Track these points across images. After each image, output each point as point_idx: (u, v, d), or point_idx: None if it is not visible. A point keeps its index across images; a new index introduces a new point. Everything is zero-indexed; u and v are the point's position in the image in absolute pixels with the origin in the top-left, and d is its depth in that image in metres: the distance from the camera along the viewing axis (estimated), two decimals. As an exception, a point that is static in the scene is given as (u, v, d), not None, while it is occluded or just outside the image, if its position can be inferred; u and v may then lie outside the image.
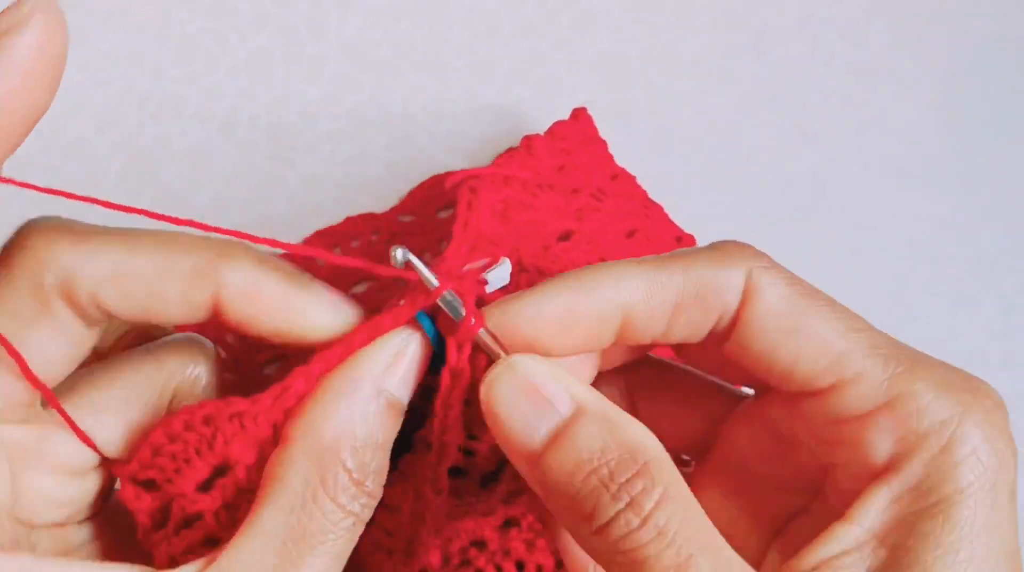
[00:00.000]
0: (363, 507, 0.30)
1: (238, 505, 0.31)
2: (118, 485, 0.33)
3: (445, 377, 0.31)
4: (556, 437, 0.29)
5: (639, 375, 0.36)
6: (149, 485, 0.31)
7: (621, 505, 0.27)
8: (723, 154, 0.62)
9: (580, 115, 0.57)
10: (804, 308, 0.31)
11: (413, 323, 0.31)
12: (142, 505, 0.31)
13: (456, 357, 0.31)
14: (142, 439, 0.31)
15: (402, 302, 0.31)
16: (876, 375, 0.30)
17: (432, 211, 0.57)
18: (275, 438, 0.30)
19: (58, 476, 0.31)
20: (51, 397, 0.30)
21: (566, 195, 0.48)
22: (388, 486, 0.33)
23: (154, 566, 0.30)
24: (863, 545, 0.29)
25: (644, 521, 0.27)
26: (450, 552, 0.42)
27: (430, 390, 0.33)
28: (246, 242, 0.31)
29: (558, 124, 0.56)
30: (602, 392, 0.32)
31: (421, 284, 0.31)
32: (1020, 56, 0.66)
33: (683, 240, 0.57)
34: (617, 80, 0.62)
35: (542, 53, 0.62)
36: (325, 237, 0.57)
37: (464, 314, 0.31)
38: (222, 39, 0.60)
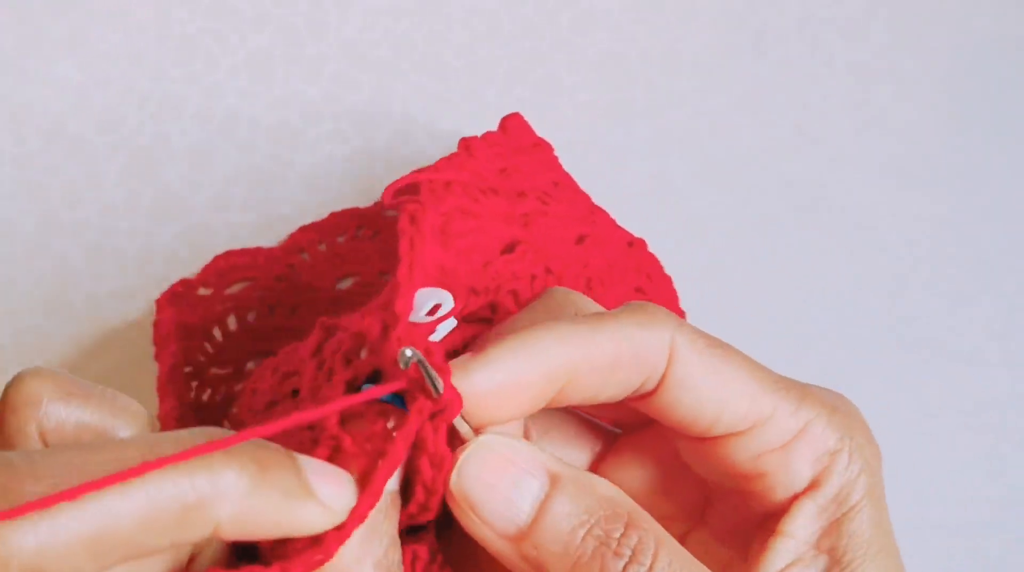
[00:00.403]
0: None
1: None
2: None
3: (425, 465, 0.30)
4: (543, 509, 0.29)
5: (528, 420, 0.36)
6: None
7: (625, 559, 0.29)
8: (723, 154, 0.62)
9: (511, 123, 0.55)
10: (720, 362, 0.33)
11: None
12: None
13: (433, 441, 0.30)
14: None
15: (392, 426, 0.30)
16: (786, 409, 0.34)
17: (332, 283, 0.57)
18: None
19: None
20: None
21: (511, 199, 0.47)
22: None
23: None
24: (805, 555, 0.33)
25: (650, 569, 0.29)
26: (436, 545, 0.42)
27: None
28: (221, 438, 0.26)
29: (490, 134, 0.53)
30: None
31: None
32: (1020, 56, 0.66)
33: (634, 244, 0.56)
34: (617, 80, 0.62)
35: (542, 53, 0.62)
36: (310, 232, 0.57)
37: (442, 392, 0.29)
38: (222, 39, 0.60)
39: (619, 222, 0.56)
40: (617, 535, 0.29)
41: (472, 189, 0.43)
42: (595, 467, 0.37)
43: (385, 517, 0.30)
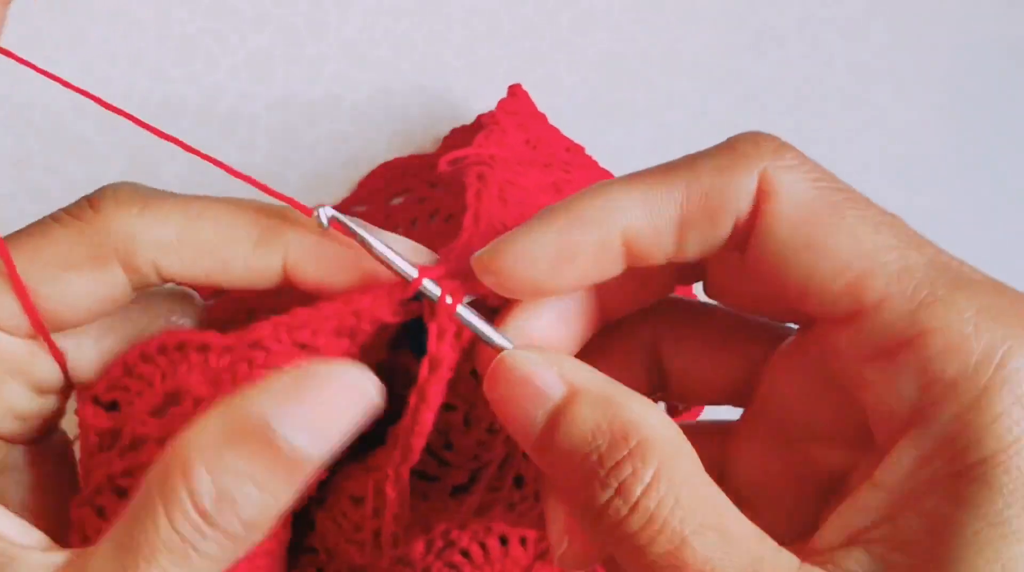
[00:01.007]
0: (208, 539, 0.27)
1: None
2: (67, 418, 0.33)
3: (423, 366, 0.30)
4: (550, 423, 0.27)
5: (666, 320, 0.33)
6: (111, 406, 0.30)
7: (611, 492, 0.26)
8: (723, 154, 0.62)
9: (517, 91, 0.56)
10: (826, 215, 0.26)
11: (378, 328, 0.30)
12: (97, 422, 0.30)
13: (436, 345, 0.30)
14: (113, 364, 0.31)
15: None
16: (901, 303, 0.25)
17: (382, 200, 0.57)
18: (233, 379, 0.29)
19: (28, 390, 0.31)
20: (32, 312, 0.30)
21: (540, 169, 0.47)
22: (355, 479, 0.32)
23: (82, 491, 0.29)
24: (892, 513, 0.25)
25: (633, 508, 0.26)
26: (432, 536, 0.42)
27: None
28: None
29: (505, 101, 0.55)
30: (622, 344, 0.31)
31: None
32: (1020, 56, 0.66)
33: None
34: (617, 80, 0.62)
35: (542, 53, 0.62)
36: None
37: (440, 294, 0.29)
38: (222, 39, 0.60)
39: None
40: (610, 464, 0.26)
41: (512, 162, 0.44)
42: (753, 375, 0.32)
43: (252, 452, 0.27)
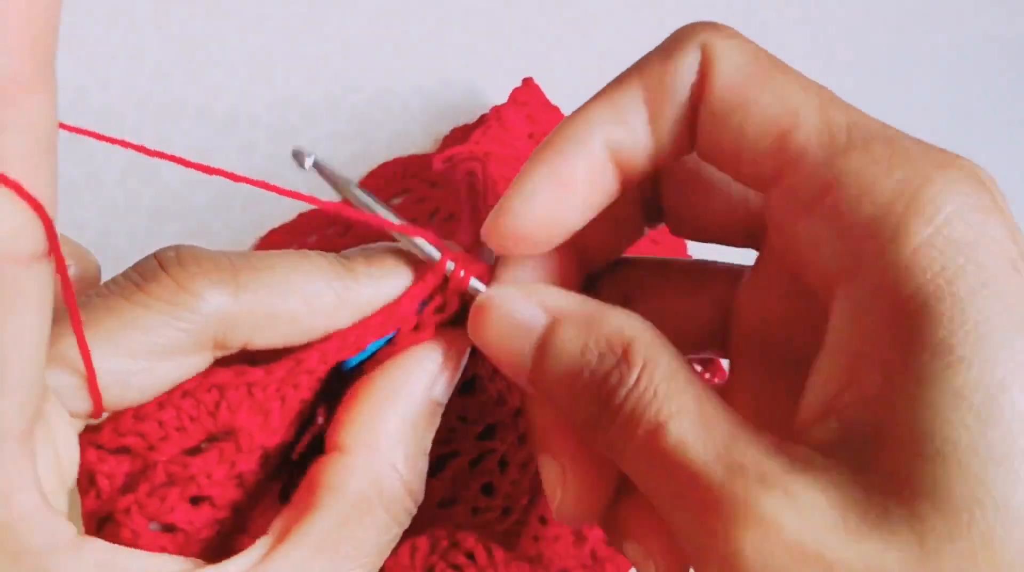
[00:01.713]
0: (409, 515, 0.29)
1: (237, 465, 0.29)
2: None
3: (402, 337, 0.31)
4: (539, 352, 0.28)
5: (634, 279, 0.35)
6: (120, 451, 0.29)
7: (604, 401, 0.27)
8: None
9: (530, 83, 0.57)
10: (758, 77, 0.27)
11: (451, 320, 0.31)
12: (107, 468, 0.28)
13: (408, 305, 0.30)
14: (120, 414, 0.29)
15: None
16: (819, 154, 0.25)
17: (385, 198, 0.57)
18: (282, 410, 0.29)
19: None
20: (98, 401, 0.27)
21: None
22: None
23: (119, 535, 0.28)
24: (852, 374, 0.25)
25: (619, 408, 0.26)
26: (437, 536, 0.42)
27: None
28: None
29: (517, 91, 0.55)
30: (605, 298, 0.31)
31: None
32: (1020, 56, 0.66)
33: None
34: (617, 80, 0.62)
35: (542, 53, 0.62)
36: (280, 234, 0.57)
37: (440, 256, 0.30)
38: (222, 39, 0.60)
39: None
40: (601, 375, 0.27)
41: (509, 158, 0.44)
42: (724, 314, 0.33)
43: (427, 424, 0.30)
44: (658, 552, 0.29)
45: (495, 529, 0.37)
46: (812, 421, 0.26)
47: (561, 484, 0.30)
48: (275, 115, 0.59)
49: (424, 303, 0.31)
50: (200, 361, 0.29)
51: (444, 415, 0.33)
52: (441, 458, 0.35)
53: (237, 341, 0.29)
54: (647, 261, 0.35)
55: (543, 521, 0.37)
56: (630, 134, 0.29)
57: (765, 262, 0.31)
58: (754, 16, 0.63)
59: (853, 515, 0.23)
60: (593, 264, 0.34)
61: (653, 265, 0.35)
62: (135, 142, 0.60)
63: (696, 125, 0.28)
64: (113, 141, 0.29)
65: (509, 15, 0.62)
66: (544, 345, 0.28)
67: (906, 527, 0.23)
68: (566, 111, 0.61)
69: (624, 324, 0.28)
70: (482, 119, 0.57)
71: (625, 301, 0.34)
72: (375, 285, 0.30)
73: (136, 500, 0.28)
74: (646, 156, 0.29)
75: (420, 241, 0.30)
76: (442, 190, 0.56)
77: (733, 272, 0.33)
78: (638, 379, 0.26)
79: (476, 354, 0.32)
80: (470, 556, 0.42)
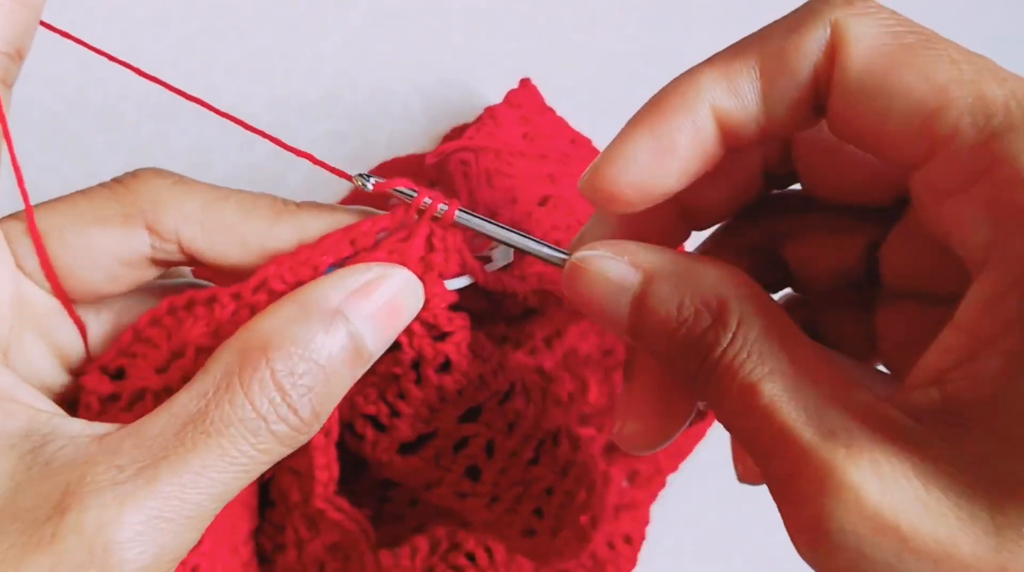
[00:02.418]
0: (280, 419, 0.28)
1: (178, 389, 0.30)
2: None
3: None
4: (635, 310, 0.29)
5: (779, 216, 0.34)
6: (117, 375, 0.31)
7: (700, 360, 0.27)
8: (723, 154, 0.62)
9: (527, 84, 0.57)
10: (900, 56, 0.25)
11: (408, 257, 0.31)
12: (100, 388, 0.31)
13: (368, 227, 0.31)
14: (123, 333, 0.31)
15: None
16: (972, 135, 0.24)
17: (381, 202, 0.57)
18: (235, 329, 0.30)
19: (51, 355, 0.32)
20: (56, 283, 0.31)
21: (536, 160, 0.48)
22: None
23: None
24: (972, 353, 0.24)
25: (713, 366, 0.27)
26: (438, 536, 0.42)
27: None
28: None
29: (512, 93, 0.56)
30: (731, 247, 0.32)
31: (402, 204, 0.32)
32: (1021, 56, 0.66)
33: None
34: (617, 80, 0.62)
35: (543, 53, 0.62)
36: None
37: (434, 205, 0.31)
38: (222, 38, 0.60)
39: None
40: (697, 334, 0.27)
41: (503, 154, 0.45)
42: (873, 255, 0.32)
43: (327, 337, 0.29)
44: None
45: (480, 516, 0.37)
46: (918, 384, 0.26)
47: (630, 411, 0.32)
48: (275, 115, 0.59)
49: (387, 233, 0.32)
50: (134, 239, 0.31)
51: (422, 392, 0.34)
52: (421, 437, 0.35)
53: (167, 226, 0.31)
54: (796, 196, 0.34)
55: (539, 514, 0.37)
56: (741, 106, 0.28)
57: (912, 218, 0.30)
58: (754, 16, 0.63)
59: (936, 491, 0.23)
60: (706, 222, 0.34)
61: (802, 201, 0.34)
62: (135, 142, 0.60)
63: (826, 105, 0.28)
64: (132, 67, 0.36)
65: (509, 15, 0.62)
66: (639, 303, 0.28)
67: (986, 515, 0.23)
68: (563, 112, 0.61)
69: (718, 282, 0.28)
70: (478, 119, 0.57)
71: (769, 238, 0.34)
72: (319, 213, 0.32)
73: (111, 417, 0.30)
74: (756, 128, 0.29)
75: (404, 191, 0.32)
76: (442, 189, 0.56)
77: (886, 214, 0.32)
78: (732, 339, 0.27)
79: (453, 339, 0.33)
80: (471, 557, 0.42)
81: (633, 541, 0.49)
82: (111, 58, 0.34)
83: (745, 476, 0.34)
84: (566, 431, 0.38)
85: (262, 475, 0.31)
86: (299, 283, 0.30)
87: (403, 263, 0.31)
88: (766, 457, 0.26)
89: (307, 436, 0.29)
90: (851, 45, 0.26)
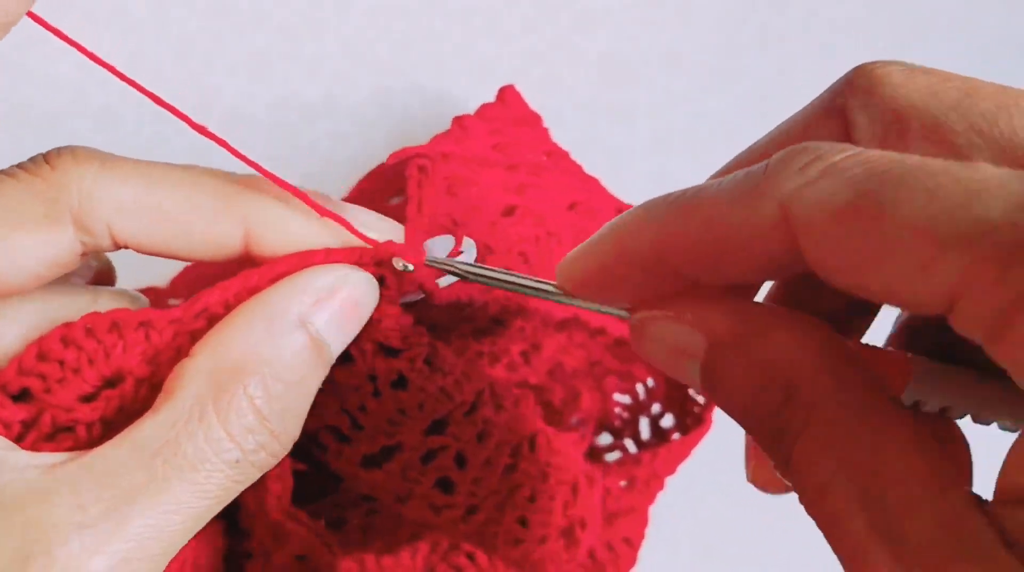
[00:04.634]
0: (258, 447, 0.27)
1: (116, 421, 0.28)
2: None
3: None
4: (705, 377, 0.26)
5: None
6: (21, 396, 0.28)
7: (770, 439, 0.24)
8: (724, 154, 0.62)
9: (507, 95, 0.56)
10: (867, 223, 0.21)
11: (364, 265, 0.30)
12: (8, 414, 0.28)
13: (320, 259, 0.30)
14: (24, 351, 0.28)
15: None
16: (983, 281, 0.20)
17: (380, 201, 0.57)
18: (179, 355, 0.28)
19: None
20: None
21: (504, 170, 0.47)
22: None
23: None
24: None
25: (787, 458, 0.24)
26: (436, 536, 0.42)
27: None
28: (267, 180, 0.31)
29: (486, 106, 0.55)
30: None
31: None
32: (1021, 56, 0.66)
33: (623, 210, 0.56)
34: (617, 80, 0.62)
35: (542, 53, 0.62)
36: None
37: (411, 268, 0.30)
38: (221, 38, 0.60)
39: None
40: (766, 413, 0.24)
41: (469, 161, 0.44)
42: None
43: (300, 353, 0.28)
44: None
45: (460, 528, 0.36)
46: (1005, 501, 0.22)
47: (754, 455, 0.31)
48: (274, 115, 0.59)
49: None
50: (63, 239, 0.28)
51: (381, 406, 0.33)
52: (385, 449, 0.34)
53: (98, 220, 0.28)
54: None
55: (523, 523, 0.37)
56: (695, 263, 0.26)
57: None
58: (754, 15, 0.63)
59: None
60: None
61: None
62: (135, 142, 0.60)
63: (812, 270, 0.24)
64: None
65: (509, 15, 0.62)
66: (709, 372, 0.26)
67: None
68: (562, 112, 0.61)
69: (788, 348, 0.24)
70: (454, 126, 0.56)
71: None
72: (270, 199, 0.30)
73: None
74: (712, 278, 0.26)
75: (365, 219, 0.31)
76: (403, 194, 0.56)
77: None
78: (804, 425, 0.23)
79: (407, 355, 0.32)
80: (471, 557, 0.42)
81: (632, 542, 0.49)
82: (108, 66, 0.32)
83: (754, 479, 0.32)
84: (543, 433, 0.37)
85: None
86: None
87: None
88: (839, 556, 0.23)
89: (284, 453, 0.28)
90: (808, 218, 0.23)
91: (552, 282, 0.30)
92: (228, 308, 0.28)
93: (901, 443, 0.23)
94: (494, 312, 0.37)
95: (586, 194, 0.53)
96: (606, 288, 0.28)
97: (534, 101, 0.61)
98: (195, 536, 0.29)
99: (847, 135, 0.28)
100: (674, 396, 0.50)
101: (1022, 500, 0.21)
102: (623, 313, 0.29)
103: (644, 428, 0.52)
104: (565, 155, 0.56)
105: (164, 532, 0.25)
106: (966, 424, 0.29)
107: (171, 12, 0.60)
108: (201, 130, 0.31)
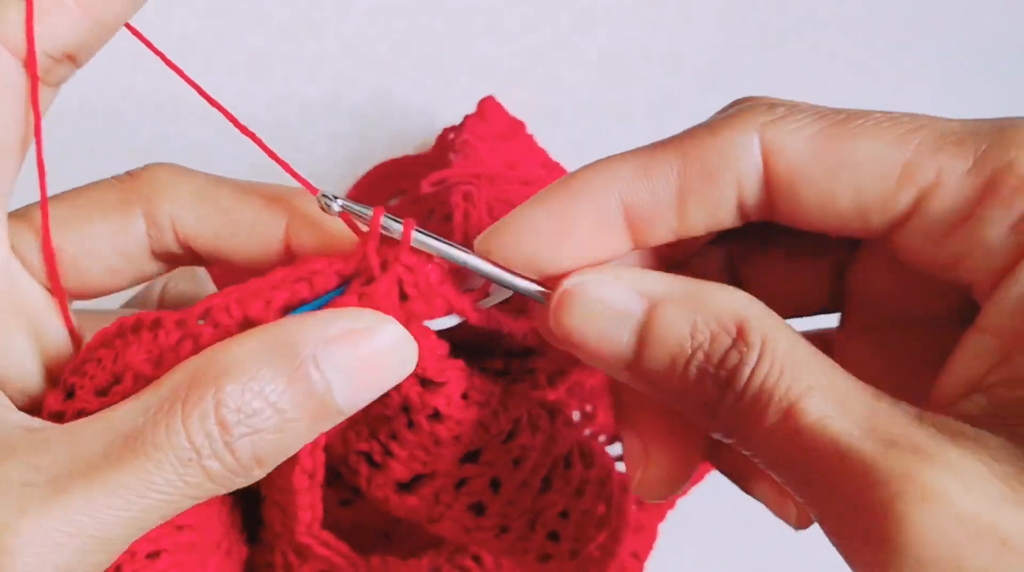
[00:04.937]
0: (214, 456, 0.26)
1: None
2: None
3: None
4: (641, 340, 0.27)
5: (742, 245, 0.32)
6: (69, 394, 0.29)
7: (723, 384, 0.25)
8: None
9: (488, 108, 0.55)
10: (841, 138, 0.26)
11: (384, 300, 0.28)
12: (50, 404, 0.29)
13: (324, 267, 0.29)
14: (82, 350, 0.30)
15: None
16: (956, 167, 0.25)
17: (379, 202, 0.57)
18: (176, 358, 0.28)
19: (36, 354, 0.30)
20: (55, 278, 0.30)
21: (520, 186, 0.47)
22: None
23: None
24: (1005, 355, 0.25)
25: (743, 391, 0.25)
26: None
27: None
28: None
29: (472, 123, 0.54)
30: (698, 271, 0.30)
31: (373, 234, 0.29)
32: (1021, 56, 0.66)
33: None
34: (617, 80, 0.62)
35: (542, 53, 0.62)
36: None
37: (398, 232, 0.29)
38: (221, 38, 0.60)
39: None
40: (718, 357, 0.25)
41: (497, 179, 0.44)
42: (839, 281, 0.31)
43: (290, 384, 0.26)
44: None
45: (491, 545, 0.36)
46: (956, 396, 0.25)
47: (643, 462, 0.30)
48: (274, 115, 0.59)
49: (348, 279, 0.29)
50: (132, 227, 0.31)
51: (416, 436, 0.32)
52: (417, 477, 0.34)
53: (163, 211, 0.31)
54: (756, 227, 0.32)
55: (555, 538, 0.36)
56: (653, 204, 0.27)
57: (879, 246, 0.30)
58: (754, 15, 0.63)
59: (1017, 485, 0.23)
60: (674, 257, 0.32)
61: (760, 231, 0.32)
62: (135, 142, 0.60)
63: (779, 207, 0.27)
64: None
65: (509, 15, 0.62)
66: (646, 331, 0.26)
67: None
68: (562, 112, 0.60)
69: (733, 301, 0.26)
70: (445, 140, 0.56)
71: (729, 265, 0.33)
72: (308, 204, 0.31)
73: None
74: (668, 231, 0.28)
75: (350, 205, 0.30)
76: (436, 217, 0.56)
77: (849, 241, 0.31)
78: (759, 357, 0.25)
79: (444, 390, 0.31)
80: (477, 559, 0.42)
81: (640, 556, 0.49)
82: (188, 80, 0.35)
83: (641, 487, 0.31)
84: (578, 449, 0.36)
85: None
86: (246, 316, 0.28)
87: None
88: (820, 484, 0.24)
89: (246, 480, 0.27)
90: (786, 144, 0.26)
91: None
92: (231, 314, 0.28)
93: (830, 362, 0.25)
94: (533, 342, 0.36)
95: None
96: (540, 249, 0.28)
97: (534, 101, 0.61)
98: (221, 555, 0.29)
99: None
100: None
101: (970, 389, 0.25)
102: (536, 292, 0.28)
103: None
104: (557, 166, 0.56)
105: (103, 512, 0.25)
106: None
107: (172, 12, 0.60)
108: (252, 136, 0.34)
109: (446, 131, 0.57)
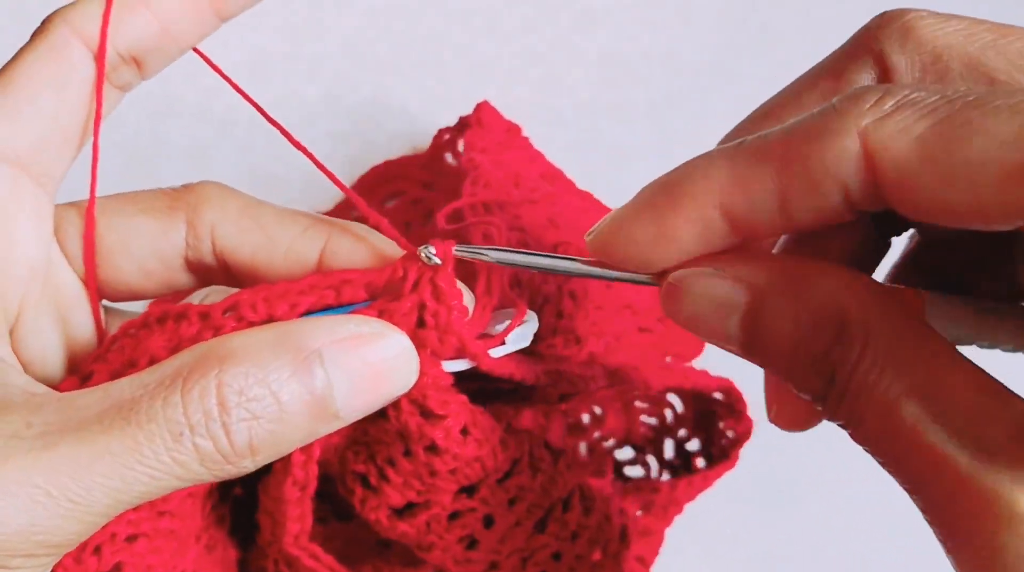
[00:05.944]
0: (208, 435, 0.26)
1: None
2: None
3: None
4: (746, 328, 0.27)
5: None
6: (85, 379, 0.30)
7: (822, 379, 0.25)
8: (723, 154, 0.62)
9: (484, 114, 0.55)
10: (951, 140, 0.23)
11: (402, 319, 0.29)
12: (65, 388, 0.29)
13: (356, 277, 0.30)
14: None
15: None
16: None
17: (376, 203, 0.57)
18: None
19: (58, 344, 0.32)
20: (93, 281, 0.32)
21: (529, 206, 0.47)
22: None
23: None
24: None
25: (843, 391, 0.25)
26: None
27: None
28: None
29: (472, 136, 0.54)
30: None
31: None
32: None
33: None
34: (617, 80, 0.62)
35: (542, 52, 0.62)
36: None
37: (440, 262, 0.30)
38: (222, 39, 0.60)
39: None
40: (818, 352, 0.25)
41: (507, 205, 0.44)
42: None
43: (290, 379, 0.27)
44: None
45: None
46: None
47: (779, 397, 0.31)
48: (274, 115, 0.59)
49: (376, 295, 0.30)
50: (173, 229, 0.32)
51: (412, 465, 0.32)
52: (410, 505, 0.34)
53: (204, 221, 0.32)
54: None
55: None
56: (751, 211, 0.27)
57: None
58: (754, 15, 0.63)
59: None
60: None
61: None
62: (135, 142, 0.60)
63: (890, 199, 0.25)
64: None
65: (509, 15, 0.62)
66: (750, 323, 0.27)
67: None
68: (562, 112, 0.60)
69: (835, 290, 0.25)
70: (441, 142, 0.56)
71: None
72: (348, 233, 0.32)
73: None
74: (772, 230, 0.27)
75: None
76: (435, 192, 0.56)
77: None
78: (860, 355, 0.24)
79: (443, 424, 0.31)
80: None
81: (646, 560, 0.49)
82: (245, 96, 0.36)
83: (777, 419, 0.31)
84: (579, 493, 0.36)
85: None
86: (271, 316, 0.29)
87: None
88: (919, 483, 0.24)
89: (236, 469, 0.27)
90: (889, 146, 0.24)
91: (583, 258, 0.30)
92: (256, 311, 0.29)
93: (954, 361, 0.24)
94: (545, 382, 0.36)
95: (596, 213, 0.53)
96: (647, 252, 0.28)
97: (534, 101, 0.61)
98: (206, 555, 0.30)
99: (884, 78, 0.29)
100: (702, 424, 0.50)
101: None
102: (647, 279, 0.29)
103: (668, 448, 0.51)
104: (560, 174, 0.56)
105: (83, 474, 0.25)
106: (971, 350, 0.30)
107: (171, 12, 0.60)
108: (300, 148, 0.35)
109: (441, 132, 0.57)
